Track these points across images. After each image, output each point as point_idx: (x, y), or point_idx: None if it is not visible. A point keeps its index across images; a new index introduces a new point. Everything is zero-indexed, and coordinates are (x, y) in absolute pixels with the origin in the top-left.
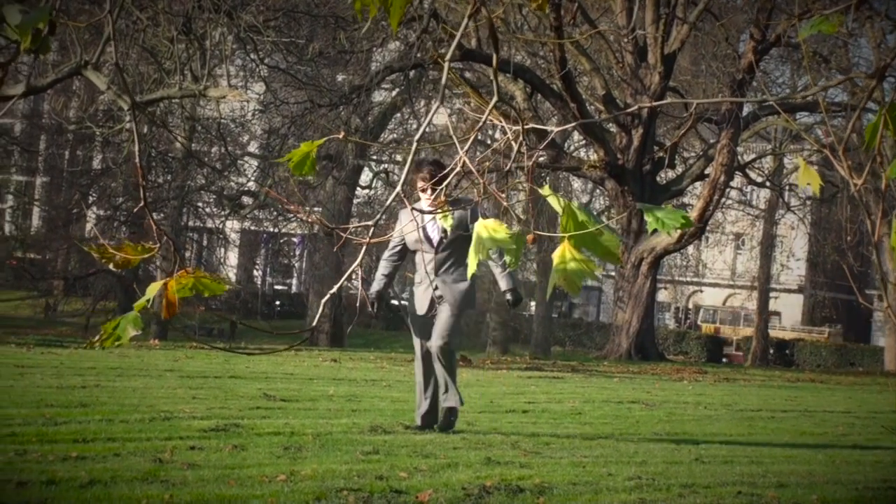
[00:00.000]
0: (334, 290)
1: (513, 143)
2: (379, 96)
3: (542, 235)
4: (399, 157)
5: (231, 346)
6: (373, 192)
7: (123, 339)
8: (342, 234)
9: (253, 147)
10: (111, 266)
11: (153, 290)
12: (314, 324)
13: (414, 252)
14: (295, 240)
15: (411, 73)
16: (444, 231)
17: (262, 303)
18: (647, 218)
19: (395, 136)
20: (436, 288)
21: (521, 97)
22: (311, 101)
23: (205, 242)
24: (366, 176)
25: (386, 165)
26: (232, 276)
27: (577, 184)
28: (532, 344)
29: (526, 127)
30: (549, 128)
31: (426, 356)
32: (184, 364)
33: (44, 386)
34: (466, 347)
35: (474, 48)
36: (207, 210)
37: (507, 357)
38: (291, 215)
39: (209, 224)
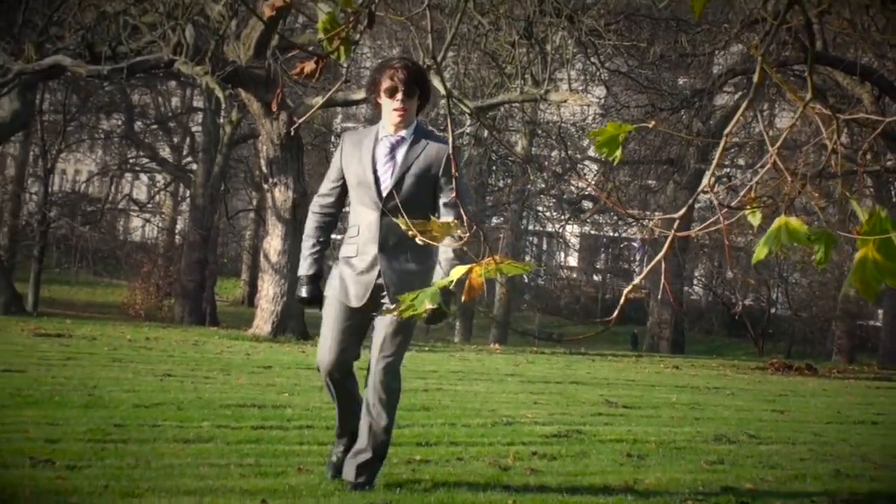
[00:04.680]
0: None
1: (826, 141)
2: (721, 100)
3: (844, 237)
4: (741, 161)
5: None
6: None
7: (419, 312)
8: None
9: (592, 151)
10: (418, 241)
11: (458, 272)
12: (615, 316)
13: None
14: (635, 244)
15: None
16: (404, 171)
17: (601, 307)
18: None
19: (737, 139)
20: (377, 270)
21: (868, 100)
22: (652, 104)
23: (544, 246)
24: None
25: (728, 170)
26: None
27: None
28: (880, 353)
29: (846, 117)
30: (874, 117)
31: (344, 376)
32: (525, 368)
33: None
34: (810, 356)
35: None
36: (547, 214)
37: (853, 366)
38: (631, 220)
39: (549, 228)
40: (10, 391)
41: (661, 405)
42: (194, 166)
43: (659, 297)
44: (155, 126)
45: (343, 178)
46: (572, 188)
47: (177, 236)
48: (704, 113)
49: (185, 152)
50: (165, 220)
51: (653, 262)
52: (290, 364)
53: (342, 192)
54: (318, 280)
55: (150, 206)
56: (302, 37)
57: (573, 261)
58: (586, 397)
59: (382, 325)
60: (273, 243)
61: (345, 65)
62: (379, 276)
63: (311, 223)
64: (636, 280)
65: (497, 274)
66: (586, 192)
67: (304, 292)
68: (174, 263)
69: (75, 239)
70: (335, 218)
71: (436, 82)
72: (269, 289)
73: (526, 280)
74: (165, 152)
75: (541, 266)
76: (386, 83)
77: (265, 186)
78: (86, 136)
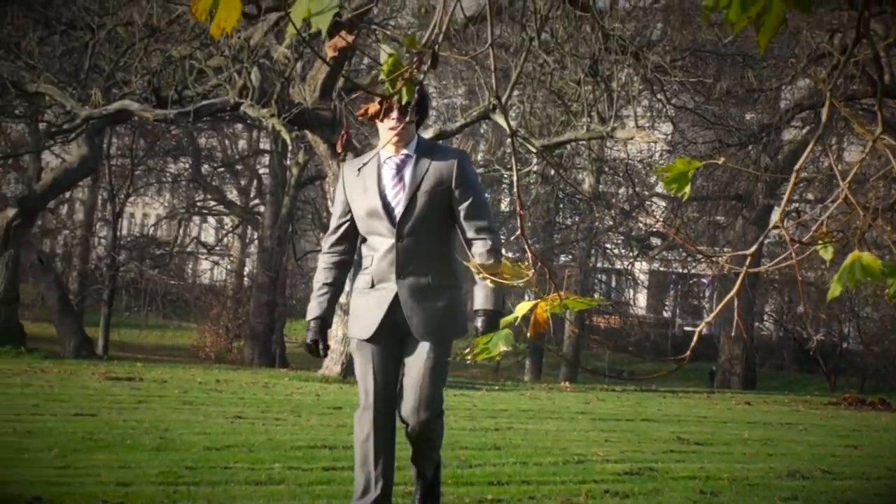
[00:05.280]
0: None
1: None
2: (788, 134)
3: None
4: (811, 196)
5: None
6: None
7: (494, 354)
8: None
9: (660, 187)
10: (487, 283)
11: (523, 308)
12: (688, 354)
13: (363, 237)
14: (704, 280)
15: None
16: (415, 190)
17: (671, 344)
18: None
19: (805, 174)
20: (396, 298)
21: None
22: (719, 140)
23: (613, 283)
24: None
25: (797, 204)
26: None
27: None
28: None
29: None
30: None
31: (384, 419)
32: (595, 406)
33: (457, 428)
34: (883, 390)
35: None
36: (616, 251)
37: None
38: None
39: (618, 265)
40: (82, 435)
41: (733, 441)
42: (262, 208)
43: (732, 333)
44: (222, 169)
45: (350, 211)
46: (640, 225)
47: (245, 278)
48: (772, 148)
49: (252, 195)
50: (234, 263)
51: (725, 300)
52: None
53: (352, 228)
54: (325, 325)
55: (218, 248)
56: (367, 78)
57: (642, 298)
58: (658, 434)
59: (415, 364)
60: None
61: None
62: (398, 305)
63: (320, 264)
64: (708, 318)
65: (562, 309)
66: (654, 229)
67: (309, 336)
68: (243, 305)
69: (144, 282)
70: (348, 257)
71: (500, 121)
72: (337, 330)
73: (595, 318)
74: (233, 195)
75: (609, 303)
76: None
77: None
78: (153, 179)
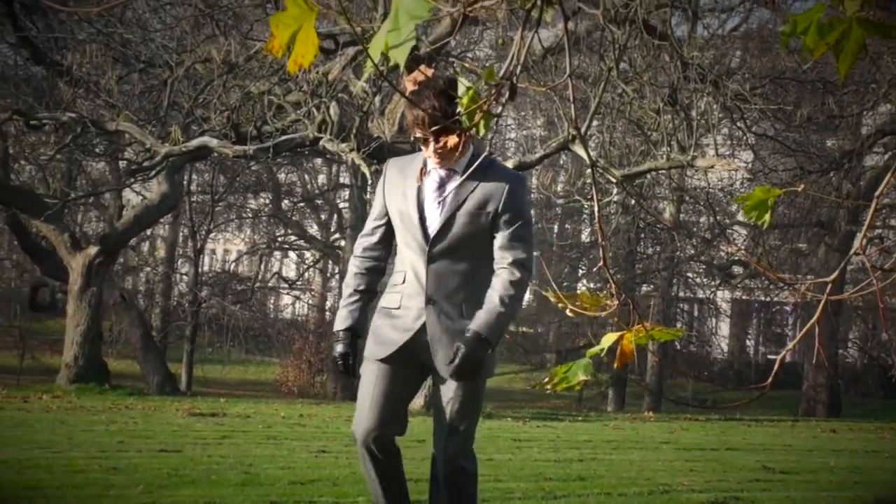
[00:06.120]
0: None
1: None
2: (870, 160)
3: None
4: (894, 222)
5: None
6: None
7: (573, 384)
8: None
9: (741, 215)
10: (568, 313)
11: (608, 340)
12: (769, 381)
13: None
14: (787, 308)
15: None
16: (455, 209)
17: (755, 373)
18: None
19: (888, 200)
20: (422, 324)
21: None
22: (800, 167)
23: (695, 313)
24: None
25: (880, 231)
26: (724, 346)
27: None
28: None
29: None
30: None
31: (385, 453)
32: (679, 436)
33: (542, 459)
34: None
35: None
36: (698, 280)
37: None
38: (782, 284)
39: (700, 294)
40: (168, 471)
41: (819, 470)
42: (342, 243)
43: (814, 360)
44: (302, 204)
45: (386, 213)
46: (722, 254)
47: (327, 312)
48: (854, 174)
49: (332, 229)
50: (315, 297)
51: (807, 327)
52: None
53: (388, 232)
54: (356, 336)
55: (299, 283)
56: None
57: (725, 327)
58: (743, 463)
59: (446, 394)
60: None
61: (487, 138)
62: (424, 331)
63: (350, 269)
64: (790, 345)
65: (647, 340)
66: (736, 258)
67: (338, 349)
68: (325, 339)
69: (226, 318)
70: (381, 263)
71: (580, 152)
72: None
73: (678, 347)
74: (313, 229)
75: (692, 332)
76: (414, 132)
77: None
78: (234, 215)
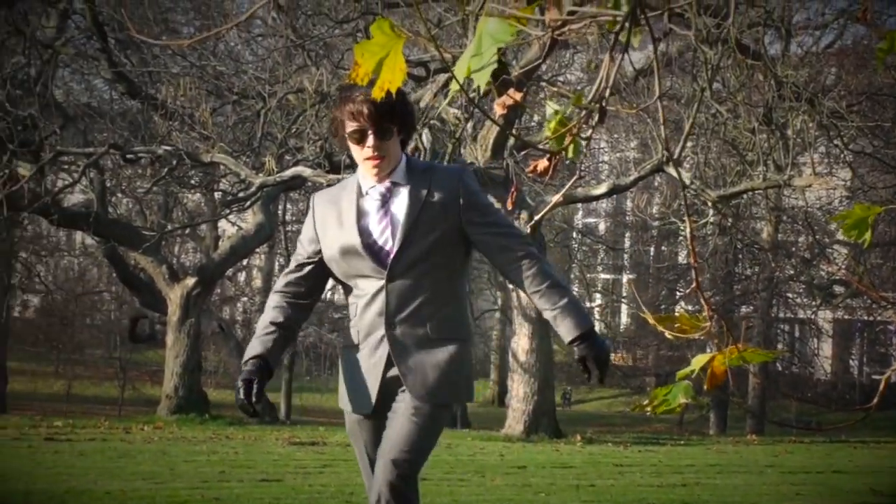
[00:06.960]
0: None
1: None
2: None
3: None
4: None
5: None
6: None
7: (673, 406)
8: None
9: (841, 234)
10: (668, 335)
11: (700, 361)
12: (875, 402)
13: (344, 283)
14: (891, 327)
15: None
16: (413, 220)
17: (859, 393)
18: None
19: None
20: (387, 354)
21: None
22: None
23: (796, 333)
24: None
25: None
26: (827, 366)
27: None
28: None
29: None
30: None
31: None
32: (784, 459)
33: (644, 485)
34: None
35: None
36: (798, 300)
37: None
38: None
39: (800, 314)
40: (269, 501)
41: None
42: None
43: None
44: None
45: (318, 251)
46: (822, 273)
47: None
48: None
49: None
50: None
51: None
52: (545, 463)
53: (317, 270)
54: (265, 369)
55: None
56: (538, 135)
57: (827, 347)
58: (850, 486)
59: (398, 419)
60: (521, 342)
61: (576, 162)
62: (391, 363)
63: (268, 304)
64: (895, 365)
65: (740, 362)
66: (837, 277)
67: (241, 376)
68: None
69: (324, 346)
70: (306, 302)
71: (674, 173)
72: (519, 388)
73: (780, 368)
74: None
75: (794, 353)
76: (350, 125)
77: (510, 286)
78: None
